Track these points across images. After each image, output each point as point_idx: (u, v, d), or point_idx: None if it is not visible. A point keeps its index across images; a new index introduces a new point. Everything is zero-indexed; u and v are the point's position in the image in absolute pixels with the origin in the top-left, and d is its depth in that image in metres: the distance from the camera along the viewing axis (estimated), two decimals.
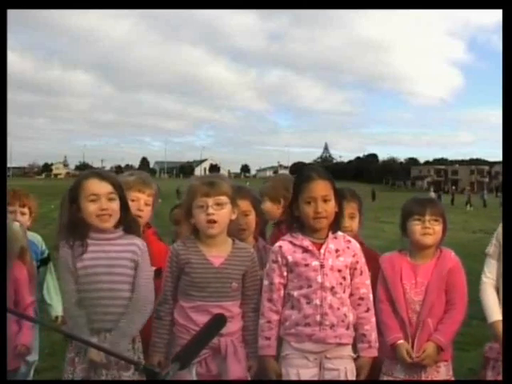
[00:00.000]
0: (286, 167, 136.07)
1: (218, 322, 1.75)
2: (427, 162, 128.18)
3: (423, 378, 2.78)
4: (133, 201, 2.91)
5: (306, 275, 2.67)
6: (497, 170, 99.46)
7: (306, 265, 2.68)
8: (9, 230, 2.86)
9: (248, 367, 2.68)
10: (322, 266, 2.67)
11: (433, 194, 37.01)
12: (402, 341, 2.77)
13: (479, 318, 2.98)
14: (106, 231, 2.63)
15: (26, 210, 3.60)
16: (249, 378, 2.68)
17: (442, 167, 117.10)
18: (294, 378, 2.65)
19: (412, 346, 2.78)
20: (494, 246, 2.97)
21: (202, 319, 2.53)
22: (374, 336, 2.74)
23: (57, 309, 3.63)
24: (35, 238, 3.67)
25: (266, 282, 2.74)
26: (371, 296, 2.78)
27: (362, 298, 2.75)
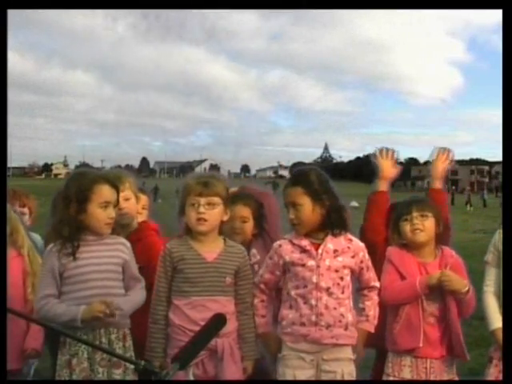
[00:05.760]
0: (285, 167, 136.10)
1: (217, 322, 1.74)
2: (427, 162, 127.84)
3: (431, 378, 2.78)
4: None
5: (302, 275, 2.69)
6: (497, 170, 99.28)
7: (303, 265, 2.69)
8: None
9: (243, 369, 2.68)
10: (317, 267, 2.68)
11: None
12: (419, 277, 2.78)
13: (479, 318, 2.98)
14: (98, 234, 2.65)
15: (26, 209, 3.60)
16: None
17: None
18: (290, 379, 2.65)
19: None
20: (492, 254, 2.94)
21: (199, 316, 2.56)
22: (373, 312, 2.78)
23: None
24: (35, 238, 3.66)
25: (258, 272, 2.81)
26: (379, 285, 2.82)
27: (372, 287, 2.80)
